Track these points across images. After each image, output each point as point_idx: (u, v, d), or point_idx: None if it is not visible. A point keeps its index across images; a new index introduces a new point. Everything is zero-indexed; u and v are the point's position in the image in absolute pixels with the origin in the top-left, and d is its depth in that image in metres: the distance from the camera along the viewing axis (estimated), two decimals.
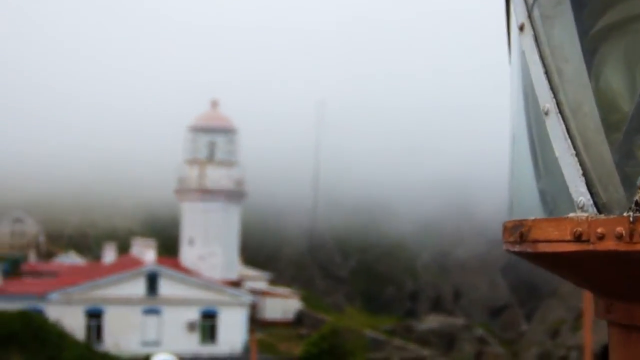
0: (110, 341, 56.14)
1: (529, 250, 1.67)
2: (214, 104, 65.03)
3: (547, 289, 78.65)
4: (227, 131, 64.02)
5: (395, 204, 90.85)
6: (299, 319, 66.34)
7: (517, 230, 1.69)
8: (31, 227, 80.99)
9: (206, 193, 62.18)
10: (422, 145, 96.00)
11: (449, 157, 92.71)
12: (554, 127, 1.65)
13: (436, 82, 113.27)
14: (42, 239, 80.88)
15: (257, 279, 69.63)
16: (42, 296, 55.48)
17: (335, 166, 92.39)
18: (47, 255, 75.05)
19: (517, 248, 1.71)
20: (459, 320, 73.26)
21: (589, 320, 22.61)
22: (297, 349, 58.34)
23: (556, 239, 1.60)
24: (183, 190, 63.16)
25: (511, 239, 1.72)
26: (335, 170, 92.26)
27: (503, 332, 78.20)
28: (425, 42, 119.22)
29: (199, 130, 63.65)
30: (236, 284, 62.56)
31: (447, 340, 67.78)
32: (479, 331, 70.85)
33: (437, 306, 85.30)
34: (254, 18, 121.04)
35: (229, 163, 63.53)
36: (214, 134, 63.39)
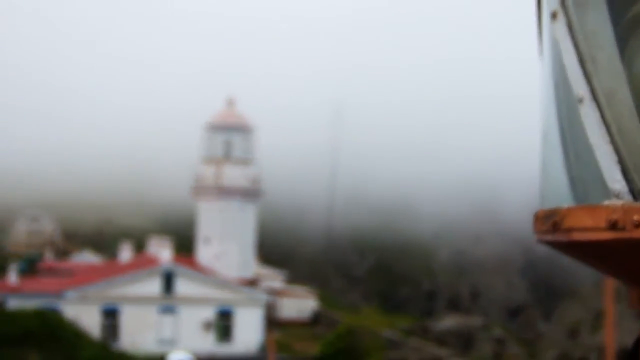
0: (126, 340, 56.37)
1: (562, 239, 1.66)
2: (230, 102, 65.16)
3: (566, 289, 78.36)
4: (244, 130, 64.14)
5: (414, 202, 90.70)
6: (315, 319, 66.35)
7: (550, 219, 1.68)
8: (48, 226, 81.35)
9: (222, 192, 62.32)
10: (443, 141, 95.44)
11: (472, 152, 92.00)
12: (589, 115, 1.65)
13: (458, 75, 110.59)
14: (58, 237, 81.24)
15: (273, 278, 69.66)
16: (58, 295, 55.77)
17: (353, 163, 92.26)
18: (63, 253, 75.34)
19: (549, 237, 1.70)
20: (476, 320, 73.06)
21: (610, 320, 22.53)
22: (313, 349, 58.36)
23: (591, 227, 1.59)
24: (199, 189, 63.32)
25: (543, 229, 1.71)
26: (354, 167, 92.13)
27: (521, 333, 77.96)
28: (447, 33, 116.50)
29: (215, 128, 63.79)
30: (252, 282, 62.66)
31: (464, 340, 67.64)
32: (497, 331, 70.66)
33: (454, 306, 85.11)
34: (270, 12, 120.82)
35: (245, 161, 63.64)
36: (230, 133, 63.53)
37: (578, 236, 1.61)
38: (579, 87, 1.67)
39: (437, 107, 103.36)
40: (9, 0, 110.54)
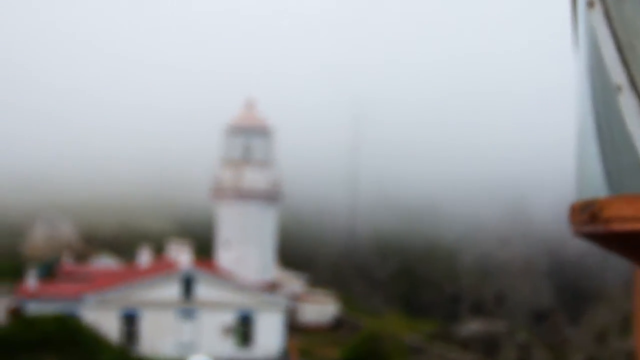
0: (146, 345, 56.57)
1: (601, 230, 1.66)
2: (250, 104, 65.26)
3: (593, 292, 77.85)
4: (263, 132, 64.24)
5: (438, 203, 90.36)
6: (337, 323, 66.30)
7: (587, 210, 1.67)
8: (66, 229, 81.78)
9: (242, 194, 62.44)
10: (470, 139, 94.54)
11: (499, 151, 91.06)
12: (627, 103, 1.65)
13: (485, 69, 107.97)
14: (76, 241, 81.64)
15: (294, 282, 69.69)
16: (77, 299, 56.03)
17: (375, 163, 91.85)
18: (81, 257, 75.69)
19: (587, 229, 1.69)
20: (501, 325, 72.76)
21: None
22: (335, 354, 58.26)
23: (630, 217, 1.58)
24: (219, 192, 63.47)
25: (580, 220, 1.71)
26: (376, 167, 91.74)
27: (547, 337, 77.54)
28: (473, 24, 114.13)
29: (234, 131, 63.93)
30: (272, 286, 62.70)
31: (488, 345, 67.36)
32: (522, 336, 70.33)
33: (478, 310, 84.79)
34: (286, 9, 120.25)
35: (265, 164, 63.73)
36: (250, 135, 63.65)
37: (617, 226, 1.60)
38: (617, 75, 1.67)
39: (464, 103, 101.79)
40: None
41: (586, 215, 1.72)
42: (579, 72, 1.89)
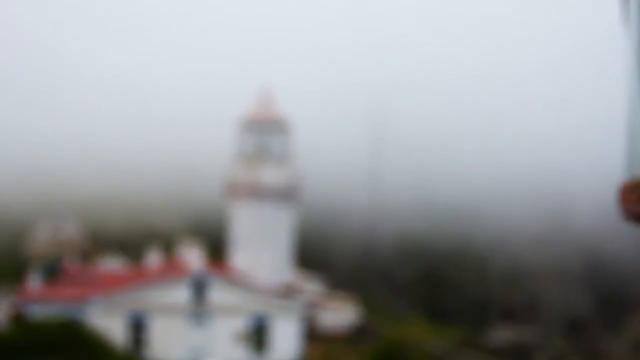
0: (154, 352, 56.77)
1: None
2: (265, 97, 65.27)
3: (633, 298, 77.49)
4: (280, 127, 64.26)
5: (467, 202, 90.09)
6: (357, 330, 66.33)
7: (638, 190, 1.67)
8: (70, 227, 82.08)
9: (258, 192, 62.52)
10: (501, 129, 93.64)
11: (537, 148, 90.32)
12: None
13: (523, 55, 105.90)
14: (81, 240, 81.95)
15: (313, 285, 69.74)
16: (81, 303, 56.25)
17: (399, 158, 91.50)
18: (87, 258, 75.96)
19: (637, 209, 1.68)
20: (533, 333, 72.56)
21: None
22: None
23: None
24: (233, 190, 63.56)
25: (631, 199, 1.68)
26: (400, 162, 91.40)
27: (583, 347, 77.27)
28: (505, 8, 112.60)
29: (249, 126, 63.99)
30: (289, 290, 62.78)
31: (520, 355, 67.20)
32: (556, 345, 70.10)
33: (509, 317, 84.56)
34: None
35: (282, 160, 63.77)
36: (265, 130, 63.71)
37: None
38: None
39: (500, 93, 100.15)
40: None
41: (636, 196, 1.71)
42: (629, 46, 1.88)
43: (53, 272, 64.21)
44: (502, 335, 70.85)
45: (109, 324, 56.06)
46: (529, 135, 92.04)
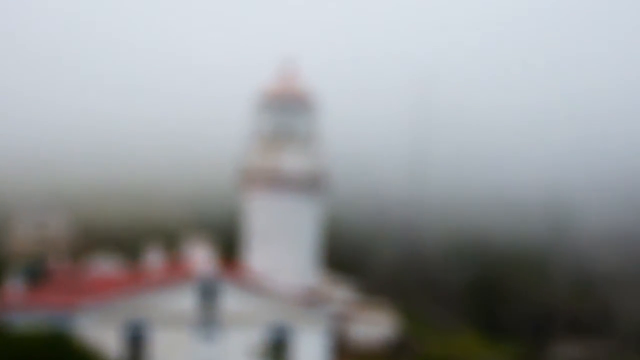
0: None
1: None
2: (288, 70, 65.29)
3: None
4: (305, 103, 64.28)
5: (526, 197, 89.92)
6: (394, 345, 66.38)
7: None
8: (58, 223, 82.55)
9: (279, 181, 62.58)
10: (564, 116, 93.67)
11: (605, 137, 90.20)
12: None
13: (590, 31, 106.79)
14: (70, 237, 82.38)
15: (342, 291, 69.82)
16: (70, 311, 56.48)
17: (447, 144, 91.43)
18: (76, 258, 76.35)
19: None
20: (605, 348, 72.37)
21: None
22: None
23: None
24: (249, 178, 63.64)
25: None
26: (448, 149, 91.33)
27: None
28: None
29: (269, 103, 64.06)
30: (315, 297, 62.84)
31: None
32: None
33: (577, 329, 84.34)
34: None
35: (307, 143, 63.78)
36: (288, 108, 63.79)
37: None
38: None
39: (564, 70, 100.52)
40: None
41: None
42: None
43: (37, 274, 64.53)
44: (569, 351, 70.67)
45: (103, 335, 56.23)
46: (598, 131, 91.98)
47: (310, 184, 63.32)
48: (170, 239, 72.11)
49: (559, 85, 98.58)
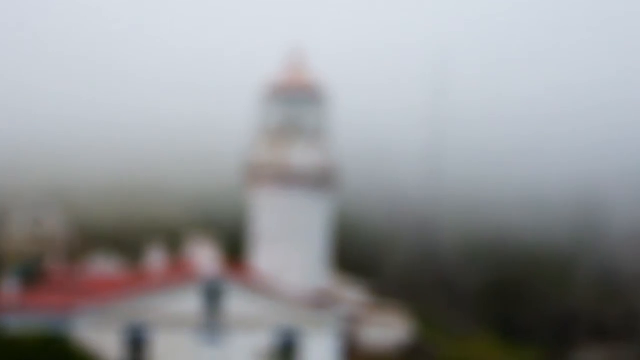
0: None
1: None
2: (296, 59, 65.25)
3: None
4: (315, 95, 64.23)
5: (547, 194, 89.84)
6: (408, 349, 66.35)
7: None
8: (54, 222, 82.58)
9: (286, 177, 62.54)
10: (592, 106, 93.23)
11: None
12: None
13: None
14: (67, 235, 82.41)
15: (353, 293, 69.77)
16: (68, 313, 56.52)
17: (464, 140, 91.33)
18: (74, 257, 76.41)
19: None
20: (632, 354, 72.22)
21: None
22: None
23: None
24: (255, 174, 63.60)
25: None
26: (464, 142, 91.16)
27: None
28: None
29: (276, 94, 64.01)
30: (325, 299, 62.81)
31: None
32: None
33: (601, 334, 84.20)
34: None
35: (316, 137, 63.73)
36: (296, 100, 63.77)
37: None
38: None
39: (584, 60, 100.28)
40: None
41: None
42: None
43: (32, 275, 64.58)
44: (591, 357, 70.55)
45: (101, 339, 56.33)
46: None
47: (320, 180, 63.28)
48: (173, 238, 72.15)
49: (587, 73, 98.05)
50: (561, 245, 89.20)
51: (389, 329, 66.52)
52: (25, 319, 55.63)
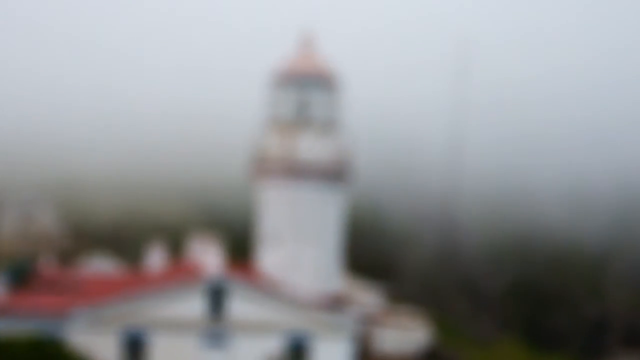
0: None
1: None
2: (307, 43, 65.39)
3: None
4: (327, 81, 64.33)
5: (577, 190, 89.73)
6: (427, 355, 66.45)
7: None
8: (47, 219, 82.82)
9: (296, 170, 62.65)
10: (631, 90, 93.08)
11: None
12: None
13: None
14: (61, 234, 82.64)
15: (368, 295, 69.91)
16: (61, 316, 56.73)
17: (485, 130, 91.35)
18: (68, 257, 76.66)
19: None
20: None
21: None
22: None
23: None
24: (262, 167, 63.75)
25: None
26: (488, 134, 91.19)
27: None
28: None
29: (285, 81, 64.13)
30: (338, 302, 62.94)
31: None
32: None
33: (634, 341, 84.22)
34: None
35: (328, 127, 63.86)
36: (307, 87, 63.86)
37: None
38: None
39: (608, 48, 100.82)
40: None
41: None
42: None
43: (23, 275, 64.85)
44: None
45: (98, 343, 56.56)
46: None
47: (332, 173, 63.34)
48: (176, 235, 72.37)
49: (624, 55, 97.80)
50: (595, 244, 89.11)
51: (406, 333, 66.63)
52: (16, 321, 55.81)
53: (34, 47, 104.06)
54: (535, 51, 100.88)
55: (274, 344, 59.08)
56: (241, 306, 58.91)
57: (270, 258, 63.55)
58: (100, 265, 71.38)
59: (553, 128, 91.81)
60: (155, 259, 66.27)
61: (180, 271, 62.77)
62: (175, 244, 69.76)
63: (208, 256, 60.92)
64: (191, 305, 58.59)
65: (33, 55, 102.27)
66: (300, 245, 63.04)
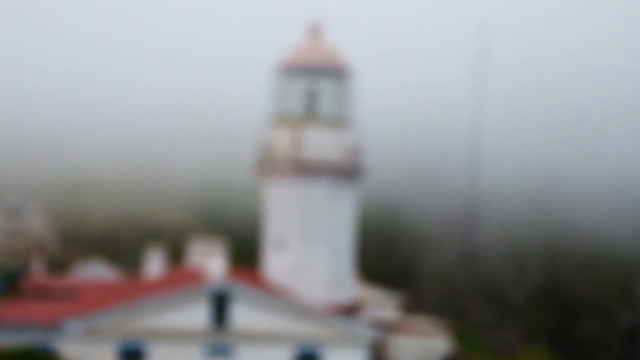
0: None
1: None
2: (315, 30, 65.38)
3: None
4: (336, 72, 64.31)
5: (604, 190, 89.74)
6: None
7: None
8: (35, 222, 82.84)
9: (304, 168, 62.62)
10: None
11: None
12: None
13: None
14: (52, 239, 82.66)
15: (384, 304, 69.90)
16: (53, 326, 56.72)
17: (508, 119, 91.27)
18: (60, 265, 76.68)
19: None
20: None
21: None
22: None
23: None
24: (268, 164, 63.73)
25: None
26: (509, 125, 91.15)
27: None
28: None
29: (292, 71, 64.16)
30: (350, 310, 62.88)
31: None
32: None
33: None
34: None
35: (338, 121, 63.81)
36: (315, 77, 63.85)
37: None
38: None
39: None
40: None
41: None
42: None
43: (13, 284, 64.90)
44: None
45: (92, 354, 56.59)
46: None
47: (342, 171, 63.26)
48: (174, 242, 72.33)
49: None
50: (627, 248, 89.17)
51: (425, 342, 66.63)
52: (5, 332, 55.81)
53: (33, 40, 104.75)
54: (561, 27, 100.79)
55: (283, 355, 59.08)
56: (247, 315, 58.88)
57: (276, 263, 63.43)
58: (95, 272, 71.42)
59: (587, 114, 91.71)
60: (154, 264, 66.26)
61: (181, 277, 62.76)
62: (176, 248, 69.74)
63: (211, 261, 60.83)
64: (193, 314, 58.59)
65: (30, 49, 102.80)
66: (309, 250, 62.94)
